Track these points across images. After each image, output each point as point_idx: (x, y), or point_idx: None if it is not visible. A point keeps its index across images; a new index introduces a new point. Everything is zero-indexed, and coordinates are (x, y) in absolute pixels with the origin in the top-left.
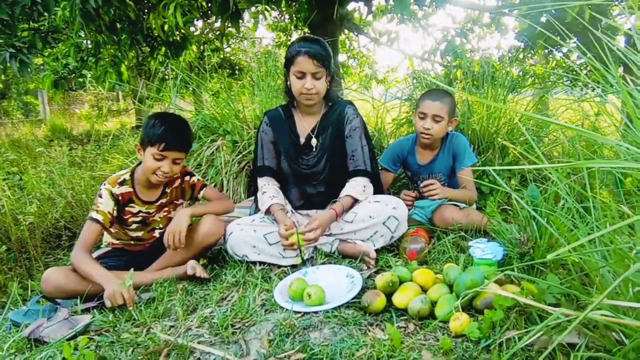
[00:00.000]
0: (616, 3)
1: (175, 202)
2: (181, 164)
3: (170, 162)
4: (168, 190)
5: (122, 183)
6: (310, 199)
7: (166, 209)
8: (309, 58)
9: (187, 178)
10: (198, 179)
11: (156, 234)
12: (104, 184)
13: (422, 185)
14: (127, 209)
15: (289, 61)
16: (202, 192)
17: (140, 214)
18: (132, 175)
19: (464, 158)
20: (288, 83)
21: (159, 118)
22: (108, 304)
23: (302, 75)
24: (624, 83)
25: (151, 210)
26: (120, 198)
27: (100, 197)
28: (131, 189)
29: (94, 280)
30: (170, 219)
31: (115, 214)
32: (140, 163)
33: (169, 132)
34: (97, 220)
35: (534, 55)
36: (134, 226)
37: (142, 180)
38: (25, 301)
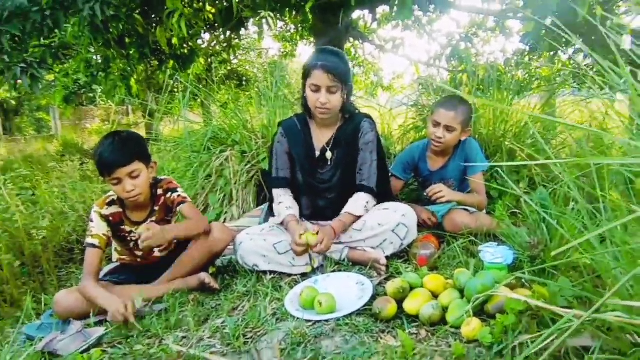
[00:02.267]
0: (621, 1)
1: (166, 218)
2: (145, 175)
3: (127, 179)
4: (156, 209)
5: (110, 204)
6: (321, 210)
7: None
8: (325, 72)
9: (168, 194)
10: (178, 195)
11: (156, 253)
12: (93, 207)
13: (427, 191)
14: (121, 227)
15: (306, 73)
16: (178, 208)
17: (133, 234)
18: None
19: (475, 163)
20: (305, 95)
21: (98, 147)
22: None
23: (317, 89)
24: (633, 82)
25: None
26: (111, 219)
27: (92, 221)
28: (120, 210)
29: (98, 304)
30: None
31: (110, 234)
32: None
33: (104, 158)
34: (93, 245)
35: (539, 58)
36: (132, 244)
37: (128, 204)
38: (39, 315)
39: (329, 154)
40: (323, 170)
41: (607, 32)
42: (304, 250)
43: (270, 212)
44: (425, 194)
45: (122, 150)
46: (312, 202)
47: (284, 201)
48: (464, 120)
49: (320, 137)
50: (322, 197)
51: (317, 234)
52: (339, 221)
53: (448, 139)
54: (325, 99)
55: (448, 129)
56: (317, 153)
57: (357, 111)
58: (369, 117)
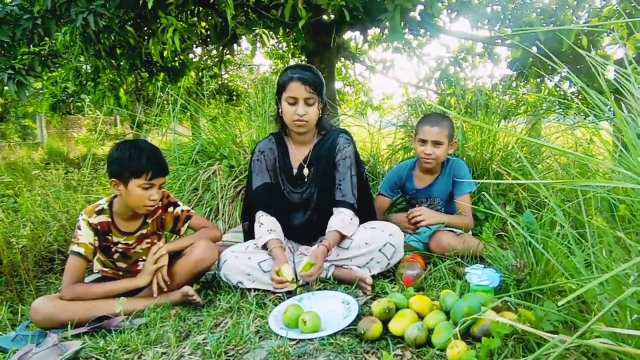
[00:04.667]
0: (606, 34)
1: (157, 232)
2: (163, 187)
3: (157, 188)
4: (149, 221)
5: (99, 212)
6: (300, 230)
7: (148, 240)
8: (302, 84)
9: (170, 209)
10: (182, 210)
11: (140, 266)
12: (81, 215)
13: (407, 214)
14: (106, 237)
15: (281, 87)
16: (186, 225)
17: (120, 245)
18: (110, 205)
19: (462, 184)
20: (280, 110)
21: (133, 148)
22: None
23: (294, 101)
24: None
25: (130, 242)
26: (99, 227)
27: (79, 228)
28: (109, 219)
29: (122, 290)
30: None
31: (97, 244)
32: (116, 196)
33: (152, 160)
34: (79, 254)
35: (526, 84)
36: (116, 256)
37: (121, 213)
38: (14, 326)
39: (305, 171)
40: (300, 188)
41: (592, 61)
42: (283, 285)
43: (250, 233)
44: (406, 216)
45: (165, 160)
46: (291, 221)
47: (265, 223)
48: (449, 133)
49: (297, 155)
50: (300, 216)
51: (309, 264)
52: (328, 241)
53: (438, 154)
54: (302, 111)
55: (436, 144)
56: (295, 171)
57: (332, 127)
58: (345, 132)
